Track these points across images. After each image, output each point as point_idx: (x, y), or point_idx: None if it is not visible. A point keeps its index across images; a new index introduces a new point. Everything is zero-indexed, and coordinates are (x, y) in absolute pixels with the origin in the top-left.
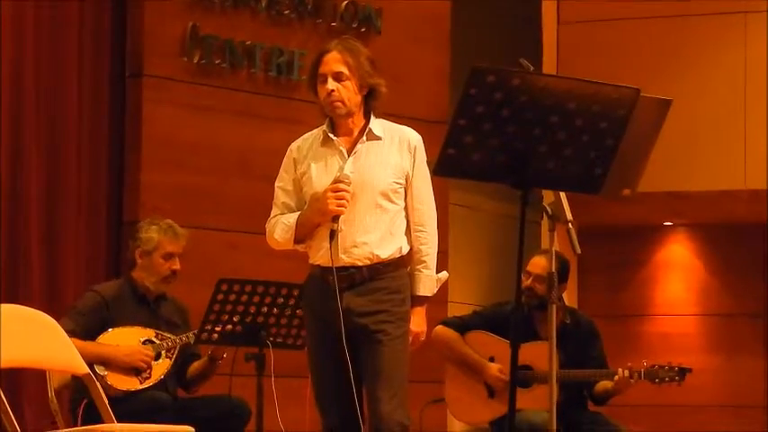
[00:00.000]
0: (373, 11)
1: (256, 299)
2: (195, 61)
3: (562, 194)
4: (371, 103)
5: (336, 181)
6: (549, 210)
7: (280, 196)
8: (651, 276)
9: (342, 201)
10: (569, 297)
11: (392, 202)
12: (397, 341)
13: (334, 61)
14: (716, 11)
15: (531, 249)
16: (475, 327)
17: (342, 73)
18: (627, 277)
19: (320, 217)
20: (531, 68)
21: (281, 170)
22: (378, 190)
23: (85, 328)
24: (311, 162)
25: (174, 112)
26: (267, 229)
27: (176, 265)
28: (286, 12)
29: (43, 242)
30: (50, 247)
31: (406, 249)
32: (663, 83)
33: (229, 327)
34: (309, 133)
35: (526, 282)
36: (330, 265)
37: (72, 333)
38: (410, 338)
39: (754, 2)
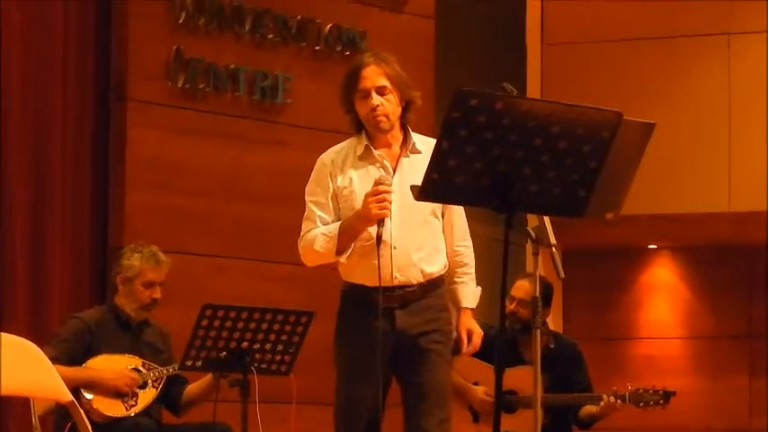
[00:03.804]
0: (357, 33)
1: (241, 324)
2: (179, 85)
3: (546, 218)
4: (407, 116)
5: (376, 184)
6: (532, 234)
7: (315, 210)
8: (636, 299)
9: (384, 203)
10: (554, 320)
11: (437, 217)
12: (447, 362)
13: (375, 75)
14: (699, 32)
15: (516, 273)
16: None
17: (385, 87)
18: (611, 300)
19: (364, 223)
20: (515, 92)
21: (311, 185)
22: (429, 206)
23: (69, 354)
24: (352, 176)
25: (158, 135)
26: (301, 245)
27: (157, 294)
28: (270, 35)
29: (27, 267)
30: (35, 273)
31: (446, 265)
32: (646, 104)
33: (214, 353)
34: (339, 146)
35: (510, 306)
36: (378, 284)
37: (55, 360)
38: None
39: (737, 23)
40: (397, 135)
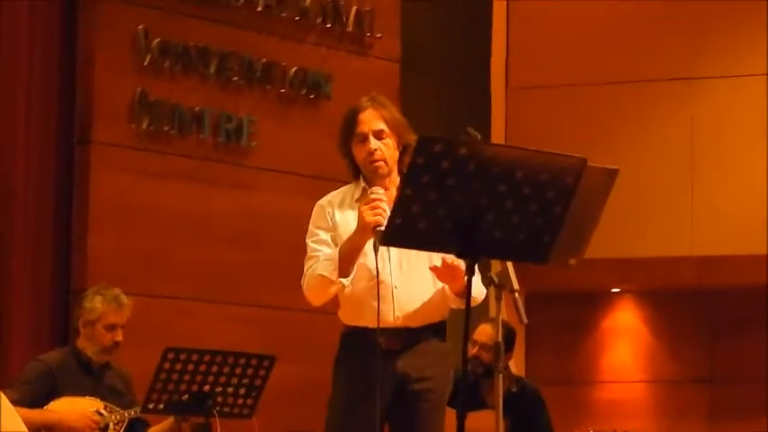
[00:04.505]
0: (323, 77)
1: (203, 367)
2: (144, 128)
3: (509, 263)
4: (404, 159)
5: (369, 194)
6: (495, 279)
7: (316, 247)
8: (598, 343)
9: (377, 210)
10: (517, 364)
11: (440, 258)
12: (442, 412)
13: (372, 119)
14: (662, 77)
15: (478, 317)
16: None
17: (383, 131)
18: (574, 343)
19: (360, 235)
20: (479, 137)
21: (311, 228)
22: None
23: (31, 397)
24: (348, 218)
25: (122, 178)
26: (305, 282)
27: (119, 337)
28: (235, 78)
29: None
30: None
31: (449, 309)
32: (610, 148)
33: (176, 396)
34: (337, 191)
35: (472, 350)
36: (377, 326)
37: (17, 403)
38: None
39: (699, 68)
40: (394, 179)
